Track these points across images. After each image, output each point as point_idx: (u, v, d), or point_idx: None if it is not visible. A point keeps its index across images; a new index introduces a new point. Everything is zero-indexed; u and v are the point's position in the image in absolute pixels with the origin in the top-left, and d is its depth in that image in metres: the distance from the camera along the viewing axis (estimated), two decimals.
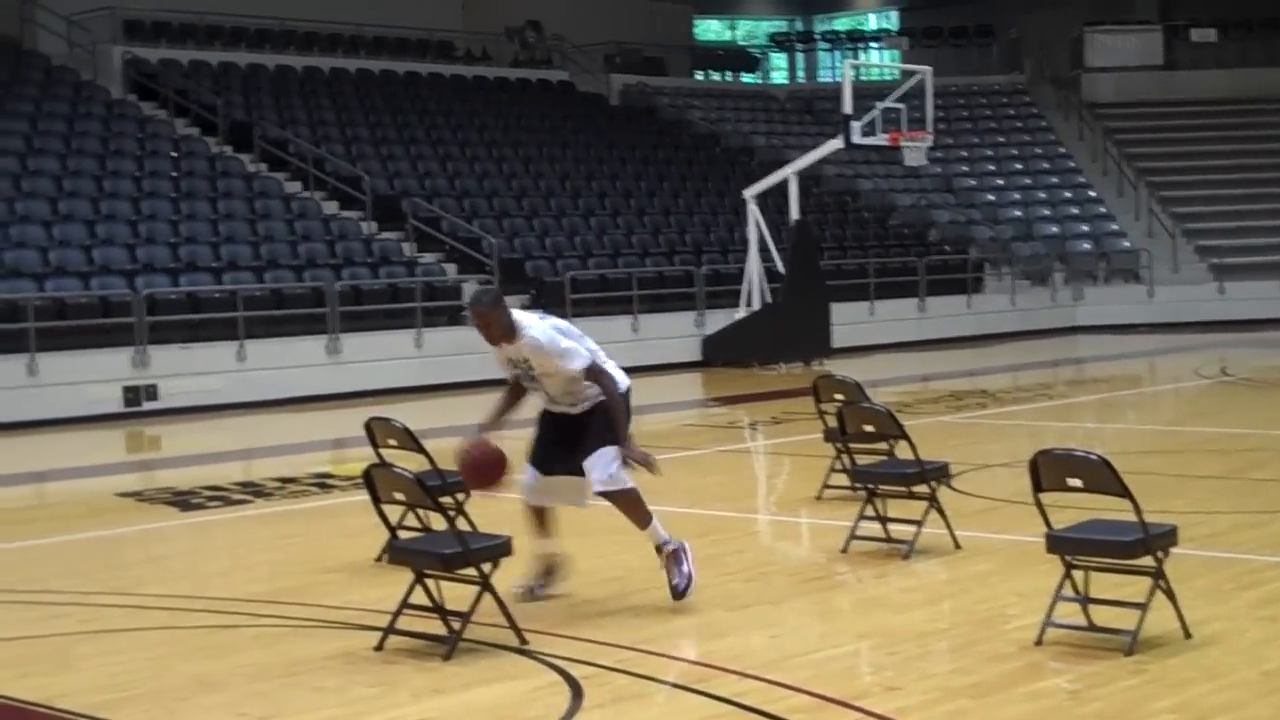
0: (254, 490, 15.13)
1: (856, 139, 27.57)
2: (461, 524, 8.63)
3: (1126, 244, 37.92)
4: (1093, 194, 40.00)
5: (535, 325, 9.09)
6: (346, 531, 12.15)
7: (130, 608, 9.89)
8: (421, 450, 10.53)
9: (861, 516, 10.86)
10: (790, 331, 27.48)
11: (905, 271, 33.02)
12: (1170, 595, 8.18)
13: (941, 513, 10.76)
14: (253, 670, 8.27)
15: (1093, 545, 8.26)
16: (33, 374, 21.66)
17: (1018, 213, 39.23)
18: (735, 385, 25.36)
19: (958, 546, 10.72)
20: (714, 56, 47.51)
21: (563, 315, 26.45)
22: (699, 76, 45.40)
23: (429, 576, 8.57)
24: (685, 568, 9.24)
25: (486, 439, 9.02)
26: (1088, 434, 18.09)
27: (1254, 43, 43.93)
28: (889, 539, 10.77)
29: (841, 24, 52.05)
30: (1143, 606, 8.07)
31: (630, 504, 9.20)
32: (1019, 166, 41.38)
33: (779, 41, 50.38)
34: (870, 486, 10.97)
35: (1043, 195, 40.05)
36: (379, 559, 10.49)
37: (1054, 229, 38.50)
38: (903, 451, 11.16)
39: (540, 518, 9.41)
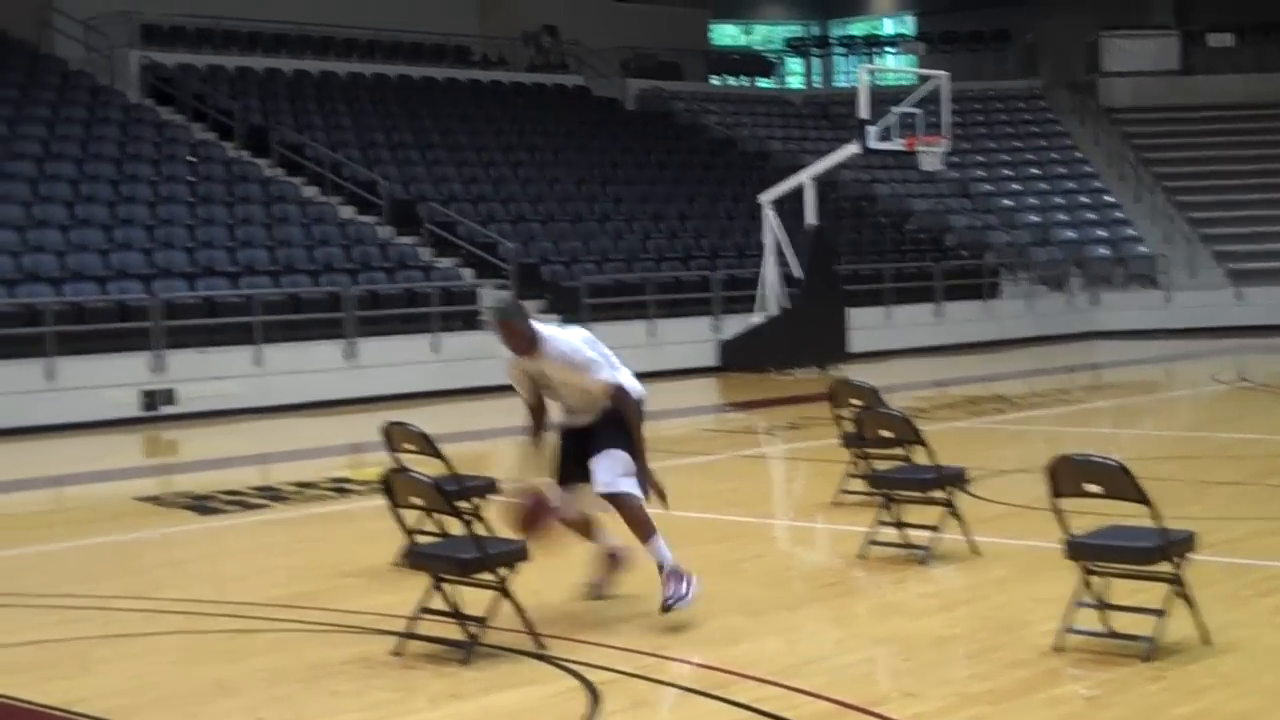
0: (271, 495, 15.14)
1: (873, 144, 27.54)
2: (479, 529, 8.62)
3: (1144, 249, 37.85)
4: (1110, 199, 39.93)
5: (558, 335, 9.06)
6: (364, 536, 12.16)
7: (148, 612, 9.91)
8: (439, 455, 10.54)
9: (879, 522, 10.86)
10: (807, 336, 27.45)
11: (922, 276, 32.99)
12: (1189, 601, 8.17)
13: (959, 518, 10.75)
14: (271, 675, 8.29)
15: (1111, 551, 8.25)
16: (50, 378, 21.70)
17: (1035, 218, 39.17)
18: (751, 390, 25.34)
19: (975, 552, 10.71)
20: (730, 61, 47.51)
21: (578, 320, 26.64)
22: (715, 81, 45.40)
23: (446, 581, 8.57)
24: (685, 589, 9.00)
25: (524, 491, 8.95)
26: (1105, 439, 18.06)
27: (1271, 47, 43.81)
28: (906, 545, 10.76)
29: (858, 29, 52.00)
30: (1161, 613, 8.06)
31: (633, 512, 9.06)
32: (1036, 171, 41.30)
33: (795, 46, 50.36)
34: (887, 492, 10.96)
35: (1060, 200, 39.99)
36: (397, 563, 10.49)
37: (1071, 234, 38.43)
38: (920, 457, 11.15)
39: (579, 527, 9.36)
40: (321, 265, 26.29)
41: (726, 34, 51.59)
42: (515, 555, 8.52)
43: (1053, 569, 9.30)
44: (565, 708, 7.57)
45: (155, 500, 15.10)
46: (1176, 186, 39.81)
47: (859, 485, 12.45)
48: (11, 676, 8.36)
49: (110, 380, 22.10)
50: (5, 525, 14.41)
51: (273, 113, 32.26)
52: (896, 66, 46.06)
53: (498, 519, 9.21)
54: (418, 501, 8.77)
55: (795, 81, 48.90)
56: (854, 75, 41.65)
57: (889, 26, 52.19)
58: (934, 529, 10.65)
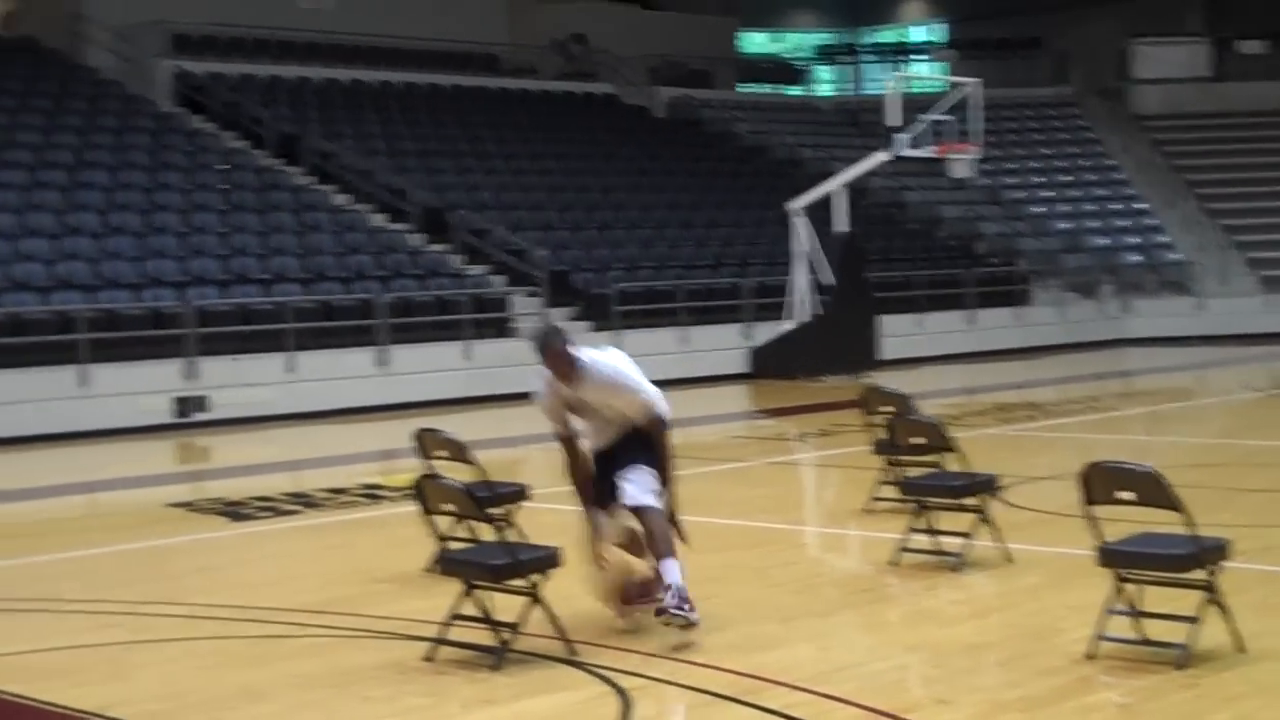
0: (303, 501, 15.17)
1: (903, 151, 27.55)
2: (511, 535, 8.63)
3: (1175, 256, 37.75)
4: (1141, 206, 39.83)
5: (600, 358, 8.92)
6: (395, 542, 12.18)
7: (181, 617, 9.94)
8: (470, 461, 10.55)
9: (911, 529, 10.84)
10: (838, 343, 27.44)
11: (953, 284, 32.93)
12: (1222, 609, 8.14)
13: (991, 525, 10.73)
14: (303, 680, 8.30)
15: (1144, 559, 8.22)
16: (84, 385, 21.79)
17: (1066, 224, 39.08)
18: (783, 397, 25.32)
19: (1008, 559, 10.68)
20: (760, 69, 47.48)
21: (609, 328, 26.71)
22: (744, 89, 45.37)
23: (478, 587, 8.58)
24: (687, 610, 8.67)
25: (623, 568, 8.96)
26: (1137, 447, 18.00)
27: None
28: (938, 551, 10.74)
29: (888, 36, 51.93)
30: (1195, 620, 8.03)
31: (657, 527, 8.86)
32: (1067, 178, 41.21)
33: (825, 54, 50.32)
34: (919, 499, 10.94)
35: (1091, 207, 39.90)
36: (428, 569, 10.51)
37: (1103, 241, 38.34)
38: (951, 464, 11.14)
39: (629, 546, 9.30)
40: (353, 273, 26.35)
41: (756, 42, 51.54)
42: (547, 561, 8.52)
43: (1085, 576, 9.27)
44: (596, 713, 7.57)
45: (188, 506, 15.13)
46: (1208, 193, 39.69)
47: (891, 492, 12.43)
48: (45, 681, 8.39)
49: (143, 387, 22.20)
50: (39, 531, 14.46)
51: (304, 121, 32.35)
52: (927, 74, 45.98)
53: (588, 582, 9.06)
54: (449, 507, 8.79)
55: (825, 89, 48.85)
56: (884, 83, 41.64)
57: (919, 34, 52.10)
58: (966, 536, 10.63)
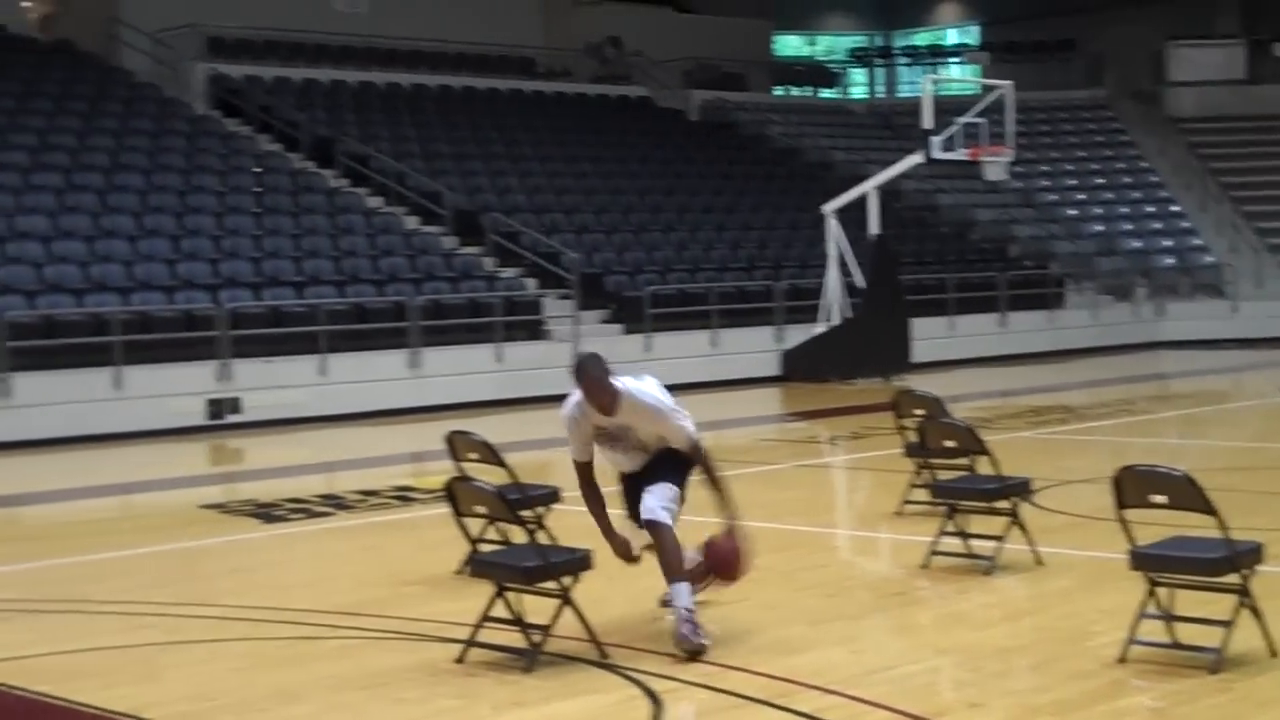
0: (336, 503, 15.21)
1: (937, 154, 27.49)
2: (542, 538, 8.63)
3: (1210, 259, 37.62)
4: (1176, 208, 39.69)
5: (637, 386, 8.79)
6: (427, 544, 12.20)
7: (213, 619, 9.97)
8: (502, 464, 10.56)
9: (942, 532, 10.82)
10: (870, 346, 27.40)
11: (986, 286, 32.85)
12: (1256, 613, 8.10)
13: (1023, 528, 10.70)
14: (335, 681, 8.32)
15: (1177, 562, 8.19)
16: (118, 387, 21.87)
17: (1100, 227, 38.98)
18: (814, 400, 25.30)
19: (1039, 563, 10.66)
20: (793, 72, 47.45)
21: (641, 330, 26.71)
22: (778, 92, 45.35)
23: (510, 589, 8.59)
24: (701, 638, 8.54)
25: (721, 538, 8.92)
26: (1170, 450, 17.94)
27: None
28: (970, 555, 10.71)
29: (921, 39, 51.88)
30: (1228, 624, 8.00)
31: (670, 548, 8.72)
32: (1101, 181, 41.10)
33: (859, 56, 50.28)
34: (951, 502, 10.92)
35: (1125, 210, 39.77)
36: (459, 571, 10.53)
37: (1136, 244, 38.22)
38: (983, 467, 11.11)
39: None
40: (386, 275, 26.39)
41: (790, 45, 51.53)
42: (578, 564, 8.53)
43: (1117, 580, 9.24)
44: (627, 716, 7.57)
45: (220, 508, 15.18)
46: (1243, 196, 39.54)
47: (922, 495, 12.41)
48: (77, 682, 8.42)
49: (176, 389, 22.27)
50: (72, 532, 14.52)
51: (338, 124, 32.43)
52: (960, 76, 45.89)
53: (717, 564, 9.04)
54: (481, 510, 8.80)
55: (859, 92, 48.80)
56: (918, 85, 41.59)
57: (953, 36, 52.03)
58: (998, 539, 10.60)
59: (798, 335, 28.47)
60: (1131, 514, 8.23)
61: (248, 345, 23.21)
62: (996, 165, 28.67)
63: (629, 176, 34.41)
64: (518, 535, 8.91)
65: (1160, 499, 8.11)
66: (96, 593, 11.06)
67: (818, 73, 47.60)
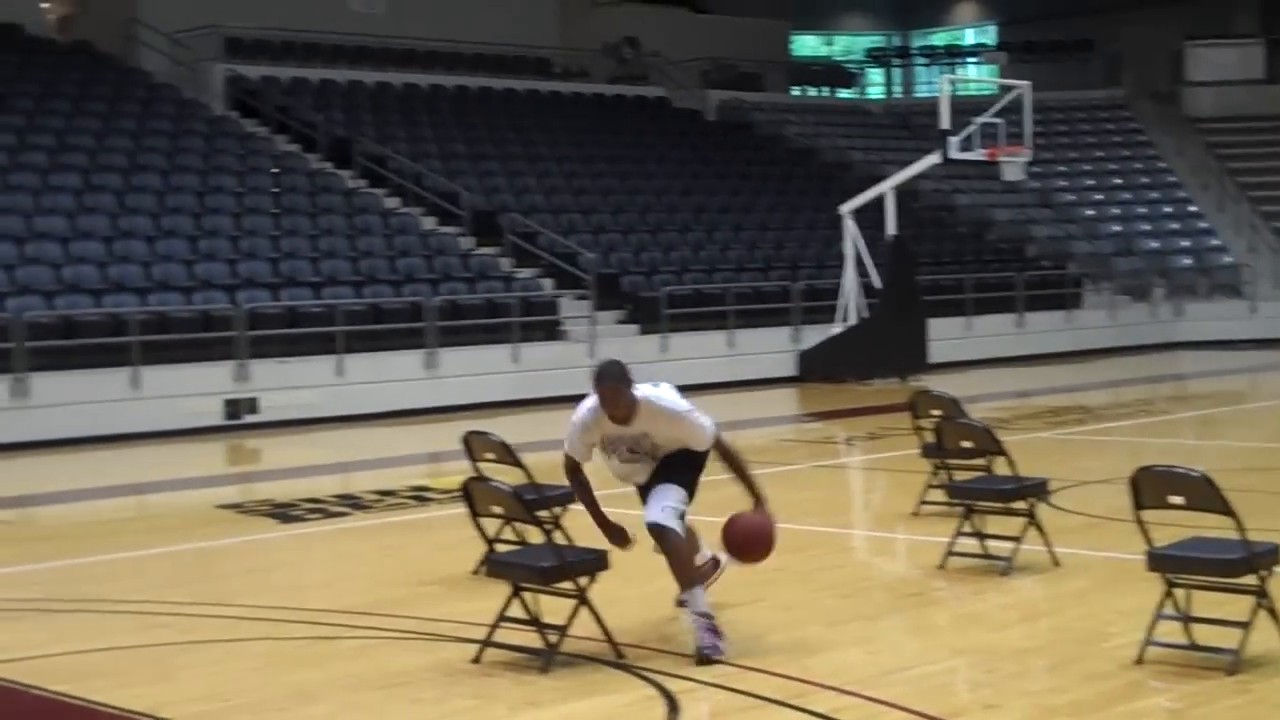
0: (352, 503, 15.23)
1: (954, 154, 27.45)
2: (558, 538, 8.63)
3: (1228, 259, 37.53)
4: (1193, 209, 39.60)
5: (655, 392, 8.67)
6: (444, 544, 12.20)
7: (230, 619, 9.98)
8: (518, 464, 10.56)
9: (959, 533, 10.80)
10: (887, 347, 27.37)
11: (1003, 287, 32.80)
12: (1273, 614, 8.08)
13: (1040, 529, 10.68)
14: (351, 681, 8.33)
15: (1195, 563, 8.18)
16: (135, 387, 21.91)
17: (1117, 228, 38.91)
18: (831, 400, 25.28)
19: (1056, 564, 10.64)
20: (811, 72, 47.41)
21: (658, 331, 26.68)
22: (795, 92, 45.32)
23: (526, 589, 8.59)
24: (721, 645, 8.51)
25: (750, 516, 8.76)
26: (1188, 451, 17.90)
27: None
28: (987, 555, 10.70)
29: (939, 39, 51.81)
30: (1246, 625, 7.98)
31: (679, 554, 8.64)
32: (1118, 181, 41.02)
33: (876, 56, 50.24)
34: (968, 502, 10.90)
35: (1143, 210, 39.69)
36: (476, 572, 10.53)
37: (1154, 244, 38.15)
38: (1001, 467, 11.09)
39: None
40: (403, 276, 26.42)
41: (807, 45, 51.50)
42: (594, 564, 8.52)
43: (1135, 581, 9.22)
44: (643, 716, 7.57)
45: (237, 508, 15.20)
46: (1261, 196, 39.44)
47: (939, 496, 12.40)
48: (92, 682, 8.44)
49: (194, 389, 22.31)
50: (89, 532, 14.55)
51: (355, 125, 32.46)
52: (978, 76, 45.84)
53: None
54: (497, 510, 8.80)
55: (876, 92, 48.77)
56: (935, 85, 41.57)
57: (970, 36, 51.97)
58: (1015, 540, 10.59)
59: (814, 336, 28.45)
60: (1149, 515, 8.21)
61: (265, 345, 23.25)
62: (1014, 165, 28.62)
63: (646, 177, 34.40)
64: (534, 535, 8.91)
65: (1178, 500, 8.09)
66: (112, 592, 11.08)
67: (835, 73, 47.55)
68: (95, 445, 20.82)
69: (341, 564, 12.26)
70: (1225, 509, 7.90)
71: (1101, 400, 24.42)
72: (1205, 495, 7.97)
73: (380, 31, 36.41)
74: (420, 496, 15.48)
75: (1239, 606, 8.09)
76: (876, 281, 28.09)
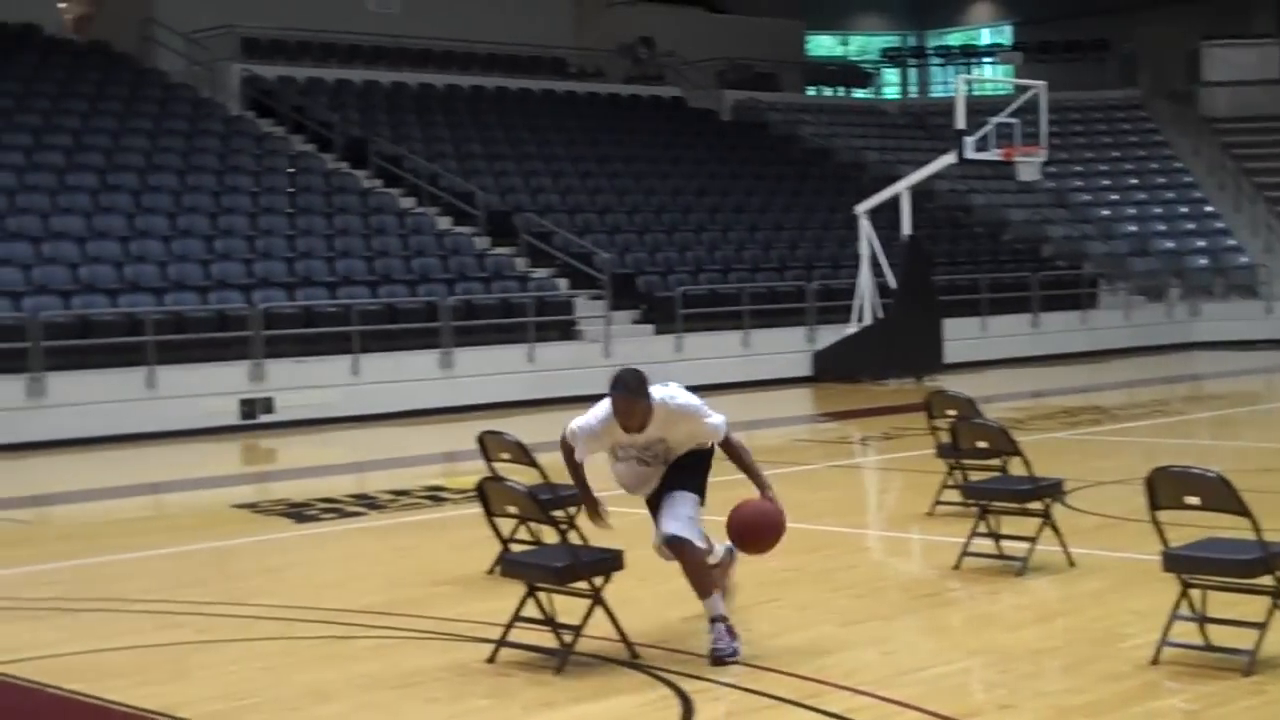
0: (367, 502, 15.24)
1: (970, 154, 27.42)
2: (573, 538, 8.64)
3: (1244, 259, 37.46)
4: (1209, 209, 39.53)
5: (668, 393, 8.51)
6: (459, 544, 12.21)
7: (245, 618, 10.00)
8: (534, 464, 10.57)
9: (974, 533, 10.79)
10: (902, 347, 27.36)
11: (1018, 287, 32.78)
12: None
13: (1055, 530, 10.67)
14: (366, 681, 8.34)
15: (1210, 564, 8.16)
16: (151, 387, 21.95)
17: (1133, 228, 38.85)
18: (846, 400, 25.26)
19: (1072, 564, 10.62)
20: (826, 72, 47.40)
21: (673, 331, 26.66)
22: (811, 92, 45.31)
23: (541, 589, 8.60)
24: (737, 646, 8.49)
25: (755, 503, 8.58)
26: (1204, 451, 17.88)
27: None
28: (1002, 556, 10.69)
29: (954, 39, 51.78)
30: (1262, 626, 7.96)
31: (699, 567, 8.56)
32: (1134, 181, 40.95)
33: (892, 56, 50.22)
34: (983, 503, 10.89)
35: (1158, 210, 39.63)
36: (491, 571, 10.54)
37: (1170, 244, 38.08)
38: (1016, 468, 11.08)
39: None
40: (418, 275, 26.44)
41: (823, 45, 51.49)
42: (609, 564, 8.52)
43: (1150, 581, 9.21)
44: (658, 716, 7.57)
45: (253, 507, 15.22)
46: (1277, 196, 39.35)
47: (954, 496, 12.39)
48: (108, 680, 8.46)
49: (210, 389, 22.35)
50: (105, 532, 14.57)
51: (371, 125, 32.49)
52: (994, 76, 45.78)
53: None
54: (513, 510, 8.81)
55: (891, 92, 48.74)
56: (950, 85, 41.55)
57: (986, 36, 51.94)
58: (1030, 540, 10.57)
59: (830, 336, 28.45)
60: (1164, 515, 8.20)
61: (280, 345, 23.28)
62: (1030, 165, 28.59)
63: (661, 177, 34.40)
64: (549, 535, 8.91)
65: (1194, 500, 8.08)
66: (128, 591, 11.10)
67: (850, 73, 47.54)
68: (111, 445, 20.87)
69: (356, 564, 12.27)
70: (1241, 509, 7.89)
71: (1117, 401, 24.38)
72: (1221, 495, 7.96)
73: (396, 31, 36.44)
74: (435, 496, 15.49)
75: (1255, 607, 8.07)
76: (892, 281, 28.07)
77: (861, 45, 52.17)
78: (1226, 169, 40.29)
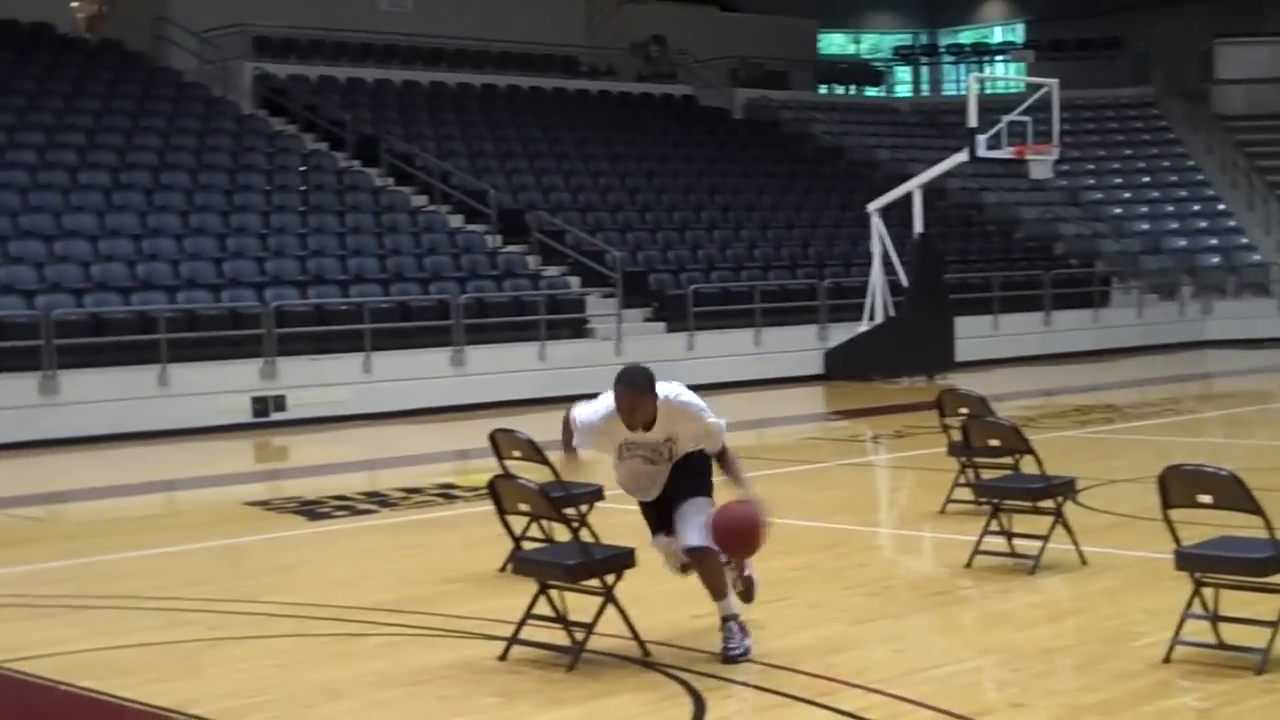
0: (379, 500, 15.25)
1: (982, 152, 27.38)
2: (585, 535, 8.63)
3: (1257, 257, 37.40)
4: (1222, 207, 39.48)
5: (674, 392, 8.40)
6: (470, 542, 12.22)
7: (257, 615, 10.01)
8: (545, 462, 10.57)
9: (986, 531, 10.78)
10: (913, 345, 27.34)
11: (1030, 285, 32.76)
12: None
13: (1067, 528, 10.66)
14: (377, 678, 8.34)
15: (1223, 562, 8.15)
16: (164, 384, 21.98)
17: (1145, 226, 38.80)
18: (858, 399, 25.24)
19: (1084, 562, 10.61)
20: (838, 70, 47.38)
21: (684, 329, 26.66)
22: (823, 90, 45.30)
23: (553, 587, 8.59)
24: (748, 641, 8.51)
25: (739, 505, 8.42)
26: (1216, 449, 17.85)
27: None
28: (1014, 554, 10.68)
29: (966, 37, 51.71)
30: (1275, 625, 7.95)
31: (718, 574, 8.51)
32: (1147, 179, 40.90)
33: (903, 55, 50.19)
34: (995, 501, 10.88)
35: (1171, 208, 39.58)
36: (503, 569, 10.54)
37: (1182, 242, 38.03)
38: (1028, 466, 11.07)
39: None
40: (430, 273, 26.45)
41: (835, 43, 51.47)
42: (621, 561, 8.52)
43: (1162, 580, 9.20)
44: (670, 714, 7.57)
45: (264, 505, 15.23)
46: None
47: (966, 494, 12.38)
48: (120, 678, 8.47)
49: (222, 386, 22.37)
50: (117, 529, 14.59)
51: (383, 123, 32.50)
52: (1006, 74, 45.75)
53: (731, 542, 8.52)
54: (524, 507, 8.80)
55: (903, 90, 48.71)
56: (962, 83, 41.52)
57: (998, 34, 51.85)
58: (1042, 539, 10.56)
59: (841, 334, 28.43)
60: (1177, 514, 8.19)
61: (293, 343, 23.30)
62: (1042, 163, 28.56)
63: (673, 175, 34.40)
64: (561, 533, 8.91)
65: (1206, 499, 8.07)
66: (141, 589, 11.11)
67: (862, 71, 47.52)
68: (124, 442, 20.90)
69: (368, 561, 12.28)
70: (1254, 508, 7.88)
71: (1129, 399, 24.34)
72: (1234, 494, 7.95)
73: (408, 30, 36.45)
74: (447, 494, 15.49)
75: (1267, 606, 8.06)
76: (904, 280, 28.05)
77: (873, 43, 52.14)
78: (1239, 167, 40.22)
